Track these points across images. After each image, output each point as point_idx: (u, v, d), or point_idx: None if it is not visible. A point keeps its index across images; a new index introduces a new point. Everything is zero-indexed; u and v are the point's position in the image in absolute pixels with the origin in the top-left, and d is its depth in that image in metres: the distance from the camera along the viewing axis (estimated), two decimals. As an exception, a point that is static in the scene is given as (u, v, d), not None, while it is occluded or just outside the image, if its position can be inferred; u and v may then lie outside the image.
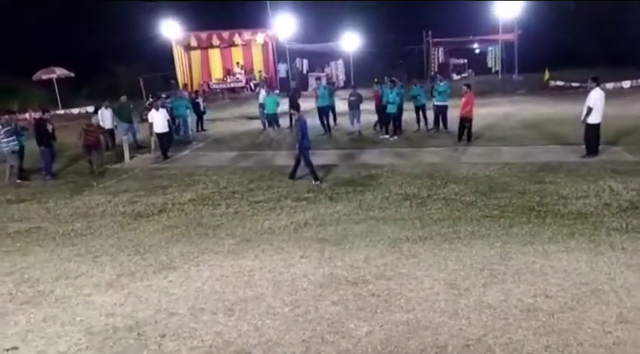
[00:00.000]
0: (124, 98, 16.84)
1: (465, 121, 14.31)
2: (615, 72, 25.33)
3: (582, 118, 11.68)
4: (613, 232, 6.98)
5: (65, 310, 5.57)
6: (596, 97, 11.45)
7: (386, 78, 17.53)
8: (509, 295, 5.32)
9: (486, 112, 19.36)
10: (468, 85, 14.79)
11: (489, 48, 34.13)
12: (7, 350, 4.88)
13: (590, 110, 11.47)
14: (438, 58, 32.75)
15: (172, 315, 5.32)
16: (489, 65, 34.76)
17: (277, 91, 19.53)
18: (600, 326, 4.68)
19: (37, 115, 13.67)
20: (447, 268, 6.13)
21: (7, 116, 13.48)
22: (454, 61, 33.60)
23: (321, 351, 4.58)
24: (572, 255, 6.27)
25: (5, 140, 12.37)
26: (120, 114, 16.26)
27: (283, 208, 9.20)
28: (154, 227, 8.50)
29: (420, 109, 16.53)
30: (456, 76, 31.00)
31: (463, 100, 14.32)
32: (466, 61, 34.22)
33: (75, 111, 26.71)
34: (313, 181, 10.80)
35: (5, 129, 12.45)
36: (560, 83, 26.24)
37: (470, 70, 33.30)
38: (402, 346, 4.57)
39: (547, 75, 26.67)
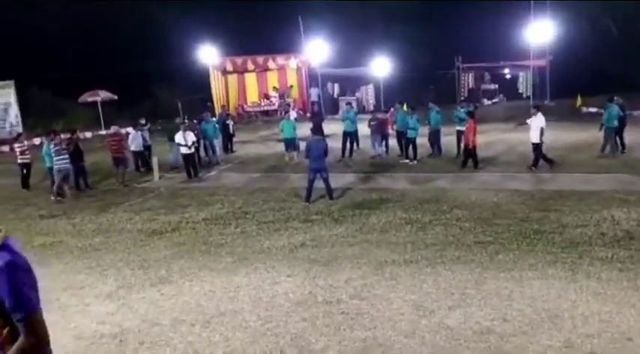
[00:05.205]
0: (178, 119, 18.43)
1: (468, 149, 14.34)
2: None
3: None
4: (596, 262, 7.04)
5: (63, 317, 6.13)
6: (534, 120, 13.79)
7: (397, 103, 17.91)
8: (470, 318, 5.52)
9: (510, 138, 19.36)
10: (470, 113, 14.91)
11: (520, 73, 33.85)
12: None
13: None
14: (469, 83, 32.75)
15: (155, 325, 5.79)
16: (520, 90, 34.42)
17: (294, 117, 20.17)
18: (544, 350, 4.83)
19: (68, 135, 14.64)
20: (420, 290, 6.37)
21: (61, 136, 13.98)
22: (484, 86, 33.45)
23: (277, 362, 4.94)
24: (546, 282, 6.39)
25: (57, 158, 13.12)
26: (170, 134, 17.17)
27: (288, 228, 9.60)
28: (163, 244, 9.05)
29: (432, 134, 16.81)
30: (486, 102, 30.85)
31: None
32: (497, 86, 33.96)
33: (117, 132, 28.17)
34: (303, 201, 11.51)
35: (56, 148, 13.23)
36: (592, 110, 25.74)
37: (501, 95, 33.03)
38: (354, 362, 4.87)
39: (579, 101, 26.28)
